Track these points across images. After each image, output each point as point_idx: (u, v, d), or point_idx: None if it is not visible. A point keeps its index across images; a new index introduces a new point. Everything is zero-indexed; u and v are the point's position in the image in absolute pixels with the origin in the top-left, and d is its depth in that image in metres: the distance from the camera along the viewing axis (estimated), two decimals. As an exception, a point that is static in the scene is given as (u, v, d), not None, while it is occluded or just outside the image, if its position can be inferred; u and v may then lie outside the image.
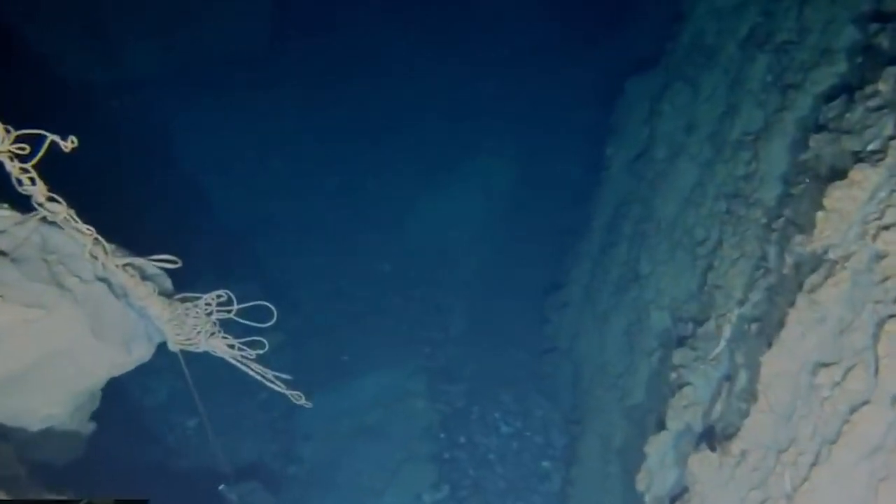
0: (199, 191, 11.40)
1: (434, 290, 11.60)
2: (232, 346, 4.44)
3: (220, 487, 7.31)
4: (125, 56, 11.78)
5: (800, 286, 3.94)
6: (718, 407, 4.69)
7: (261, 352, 4.55)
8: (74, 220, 3.10)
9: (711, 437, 4.45)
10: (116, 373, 3.59)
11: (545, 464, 9.52)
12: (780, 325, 3.86)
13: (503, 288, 11.51)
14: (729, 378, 4.83)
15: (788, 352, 3.76)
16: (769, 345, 3.87)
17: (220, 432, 9.62)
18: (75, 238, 3.13)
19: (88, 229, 3.19)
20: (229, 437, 9.61)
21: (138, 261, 3.69)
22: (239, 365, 4.48)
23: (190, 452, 9.41)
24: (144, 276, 3.79)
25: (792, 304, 3.79)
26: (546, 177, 12.29)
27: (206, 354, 4.18)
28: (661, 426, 5.23)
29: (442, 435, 9.73)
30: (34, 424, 3.49)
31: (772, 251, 4.85)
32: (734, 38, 7.25)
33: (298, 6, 12.64)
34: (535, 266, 11.33)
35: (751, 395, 4.08)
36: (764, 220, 5.46)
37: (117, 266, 3.41)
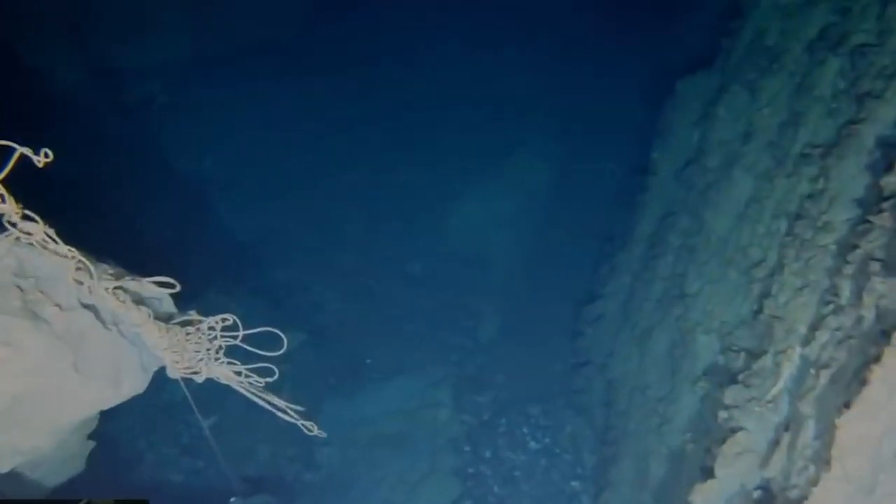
0: (224, 184, 11.16)
1: (465, 293, 11.17)
2: (239, 374, 4.10)
3: (232, 501, 7.06)
4: (156, 40, 11.57)
5: (886, 336, 3.41)
6: (777, 460, 4.18)
7: (270, 380, 4.19)
8: (53, 240, 2.77)
9: (770, 498, 3.96)
10: (106, 407, 3.25)
11: (574, 483, 9.06)
12: (862, 381, 3.34)
13: (537, 294, 11.04)
14: (788, 428, 4.31)
15: (871, 414, 3.25)
16: (847, 404, 3.35)
17: (237, 435, 9.43)
18: (58, 260, 2.80)
19: (70, 251, 2.85)
20: (246, 440, 9.37)
21: (133, 282, 3.34)
22: (246, 394, 4.13)
23: (204, 453, 9.19)
24: (141, 299, 3.45)
25: (877, 358, 3.27)
26: (587, 178, 11.73)
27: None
28: (708, 473, 4.74)
29: (467, 448, 9.33)
30: (16, 459, 3.18)
31: (846, 286, 4.30)
32: (801, 39, 6.63)
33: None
34: (571, 272, 10.82)
35: (821, 458, 3.57)
36: (834, 248, 4.90)
37: (106, 290, 3.07)
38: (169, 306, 3.74)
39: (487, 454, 9.28)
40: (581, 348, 9.69)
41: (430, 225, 11.96)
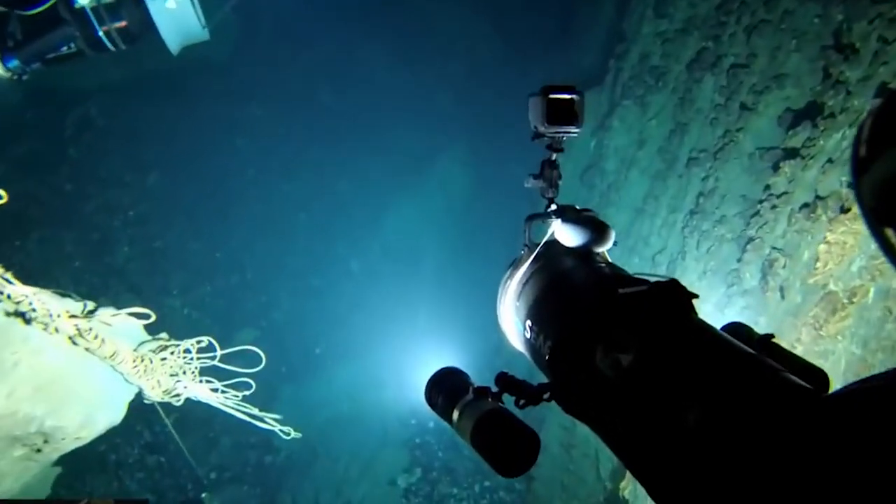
0: (171, 199, 10.13)
1: (401, 285, 10.76)
2: (216, 390, 3.55)
3: (203, 496, 6.40)
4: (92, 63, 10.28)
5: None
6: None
7: (247, 393, 3.67)
8: (9, 281, 2.17)
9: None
10: (80, 444, 2.66)
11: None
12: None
13: (462, 282, 10.79)
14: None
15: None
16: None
17: (198, 429, 8.63)
18: (13, 300, 2.20)
19: (29, 292, 2.25)
20: (207, 432, 8.60)
21: (103, 313, 2.75)
22: (225, 408, 3.58)
23: (167, 449, 8.35)
24: (112, 328, 2.86)
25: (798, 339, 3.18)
26: (499, 182, 11.57)
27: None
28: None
29: (413, 421, 8.99)
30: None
31: (747, 271, 4.26)
32: (681, 61, 6.66)
33: (264, 16, 11.38)
34: (491, 263, 10.63)
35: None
36: (730, 237, 4.91)
37: (74, 327, 2.48)
38: (140, 333, 3.15)
39: (431, 424, 8.98)
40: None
41: (367, 226, 11.44)
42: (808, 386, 0.86)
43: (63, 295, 2.54)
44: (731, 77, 5.69)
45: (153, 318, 2.74)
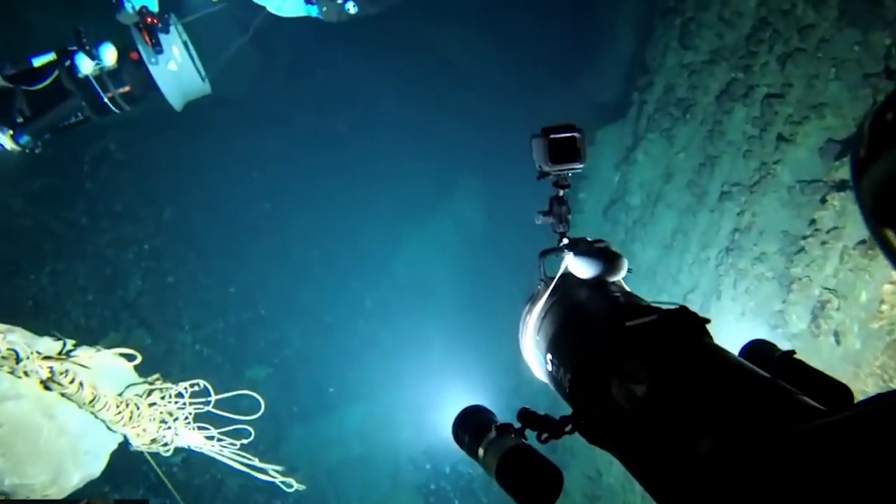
0: (186, 233, 10.01)
1: (415, 321, 10.43)
2: (212, 438, 3.24)
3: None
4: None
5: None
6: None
7: (245, 441, 3.35)
8: (-25, 321, 1.93)
9: None
10: (55, 499, 2.36)
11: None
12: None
13: (478, 319, 10.42)
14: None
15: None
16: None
17: (204, 470, 8.25)
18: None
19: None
20: (214, 470, 8.22)
21: (83, 355, 2.48)
22: (222, 458, 3.26)
23: (170, 492, 7.96)
24: (98, 370, 2.58)
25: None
26: (515, 216, 11.32)
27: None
28: None
29: (427, 466, 8.51)
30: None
31: (794, 313, 3.88)
32: (709, 93, 6.42)
33: (282, 51, 11.46)
34: (507, 299, 10.27)
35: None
36: (770, 275, 4.53)
37: (48, 369, 2.21)
38: (128, 374, 2.86)
39: (447, 470, 8.49)
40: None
41: (380, 261, 11.20)
42: (821, 408, 0.85)
43: (40, 334, 2.28)
44: (765, 107, 5.42)
45: (139, 359, 2.47)
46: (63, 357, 2.25)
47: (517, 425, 1.21)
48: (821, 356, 3.46)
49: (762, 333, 4.20)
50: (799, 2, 5.38)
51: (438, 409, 9.36)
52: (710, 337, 1.06)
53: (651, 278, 6.47)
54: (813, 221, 4.09)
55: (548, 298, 1.37)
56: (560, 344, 1.26)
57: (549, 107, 11.53)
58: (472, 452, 1.23)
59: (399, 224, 11.65)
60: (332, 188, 11.79)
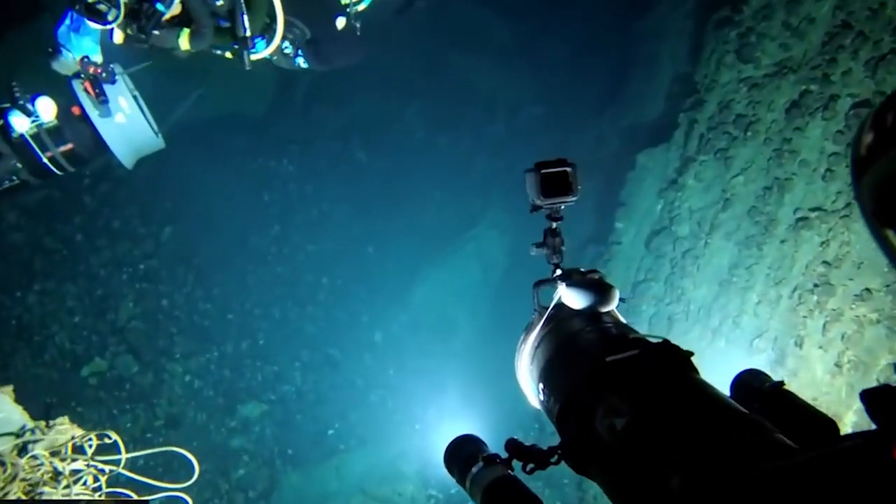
0: (185, 254, 9.34)
1: (429, 360, 9.49)
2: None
3: None
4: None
5: None
6: None
7: (180, 516, 2.47)
8: None
9: None
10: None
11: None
12: None
13: (499, 360, 9.44)
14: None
15: None
16: None
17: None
18: None
19: None
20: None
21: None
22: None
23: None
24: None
25: None
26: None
27: None
28: None
29: (434, 527, 7.45)
30: None
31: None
32: (774, 108, 5.59)
33: (302, 73, 11.00)
34: (531, 340, 9.30)
35: None
36: (874, 317, 3.59)
37: None
38: (18, 418, 2.03)
39: (456, 534, 7.42)
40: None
41: (395, 294, 10.34)
42: (794, 447, 0.88)
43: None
44: (851, 120, 4.56)
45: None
46: None
47: (504, 455, 1.24)
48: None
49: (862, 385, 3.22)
50: (889, 1, 4.59)
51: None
52: (696, 370, 1.12)
53: (704, 319, 5.51)
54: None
55: (541, 328, 1.43)
56: (551, 374, 1.31)
57: (584, 136, 10.80)
58: (461, 483, 1.25)
59: (417, 256, 10.86)
60: (348, 215, 11.12)
